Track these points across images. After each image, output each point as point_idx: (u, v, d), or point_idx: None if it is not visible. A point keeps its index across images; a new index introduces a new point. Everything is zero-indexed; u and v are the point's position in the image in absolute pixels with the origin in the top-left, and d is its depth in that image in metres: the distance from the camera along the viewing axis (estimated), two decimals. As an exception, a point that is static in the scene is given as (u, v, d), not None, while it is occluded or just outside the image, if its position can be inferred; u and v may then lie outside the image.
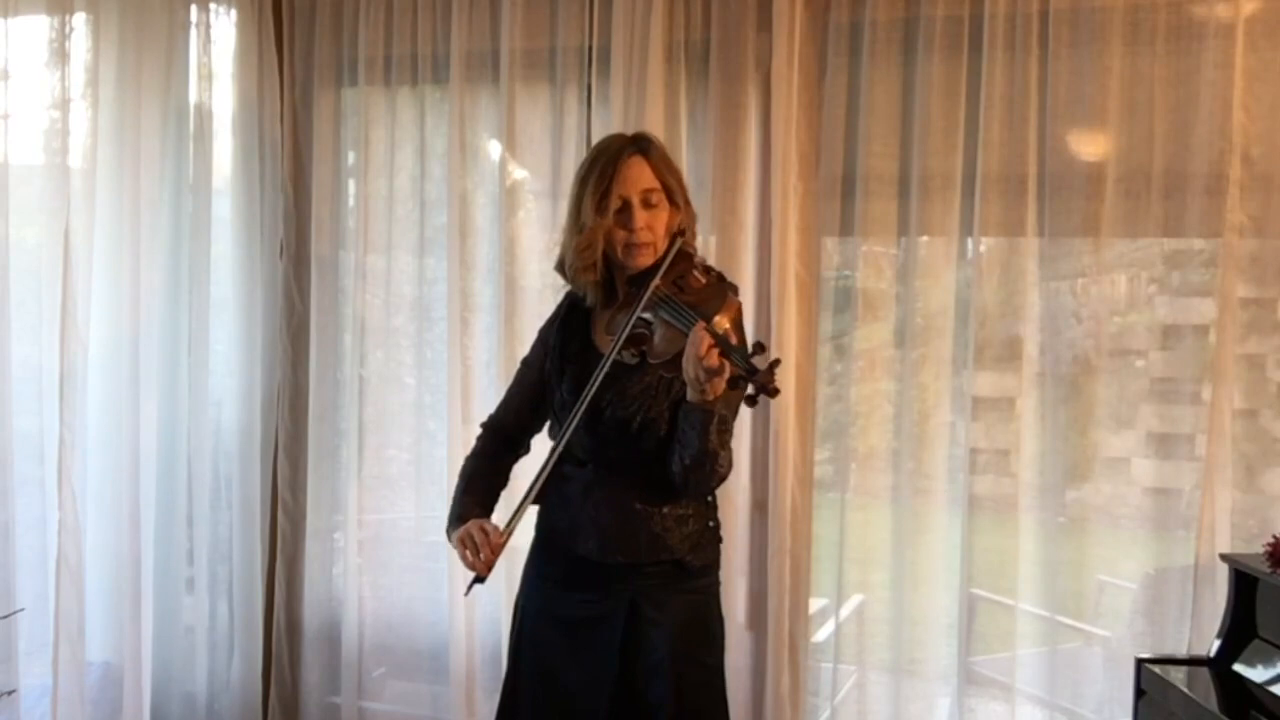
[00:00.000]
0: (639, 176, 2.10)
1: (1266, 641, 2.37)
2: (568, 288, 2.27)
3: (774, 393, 1.89)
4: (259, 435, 3.50)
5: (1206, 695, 2.34)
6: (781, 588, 2.96)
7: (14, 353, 3.19)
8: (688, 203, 2.19)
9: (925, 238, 2.95)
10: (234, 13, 3.48)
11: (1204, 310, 2.79)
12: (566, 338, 2.22)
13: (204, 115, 3.47)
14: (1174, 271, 2.87)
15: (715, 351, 1.89)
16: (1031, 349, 2.85)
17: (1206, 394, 2.74)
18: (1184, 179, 2.73)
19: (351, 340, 3.45)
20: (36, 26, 3.23)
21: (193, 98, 3.47)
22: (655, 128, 3.02)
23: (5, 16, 3.16)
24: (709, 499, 2.22)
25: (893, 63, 2.92)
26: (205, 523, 3.50)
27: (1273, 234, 2.70)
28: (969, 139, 2.85)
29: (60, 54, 3.20)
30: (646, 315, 2.05)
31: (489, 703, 3.28)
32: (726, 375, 1.89)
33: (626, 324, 2.04)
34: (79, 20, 3.26)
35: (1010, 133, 2.82)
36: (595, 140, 3.14)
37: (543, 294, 3.27)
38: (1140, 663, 2.52)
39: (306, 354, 3.48)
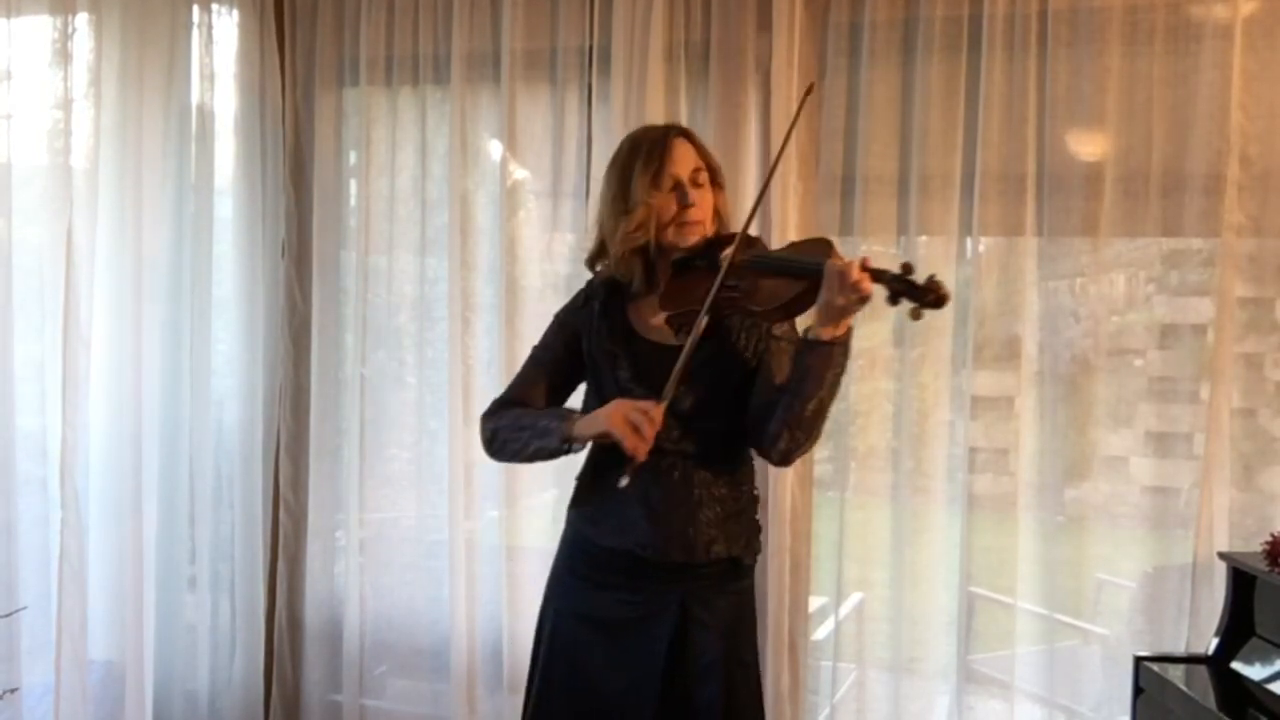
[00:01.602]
0: (687, 156, 2.11)
1: (1264, 640, 2.37)
2: (591, 277, 2.24)
3: (944, 299, 1.87)
4: (261, 434, 3.51)
5: (1205, 693, 2.35)
6: (781, 586, 2.96)
7: (16, 352, 3.20)
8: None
9: (924, 237, 2.96)
10: (236, 13, 3.50)
11: (1202, 309, 2.80)
12: (611, 324, 2.16)
13: (206, 115, 3.48)
14: (1172, 271, 2.88)
15: (865, 273, 1.88)
16: (1030, 348, 2.86)
17: (1205, 393, 2.75)
18: (1182, 179, 2.73)
19: (353, 339, 3.46)
20: (39, 27, 3.23)
21: (195, 98, 3.47)
22: (655, 128, 3.04)
23: (8, 17, 3.17)
24: (755, 493, 2.21)
25: (892, 63, 2.93)
26: (207, 521, 3.51)
27: (1271, 233, 2.70)
28: (968, 139, 2.85)
29: (63, 54, 3.20)
30: (732, 281, 2.00)
31: (490, 700, 3.29)
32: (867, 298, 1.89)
33: (711, 291, 1.98)
34: (81, 20, 3.26)
35: (1009, 133, 2.83)
36: (596, 140, 3.18)
37: (543, 294, 3.28)
38: (1139, 661, 2.52)
39: (308, 353, 3.50)
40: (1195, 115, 2.71)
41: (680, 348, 2.00)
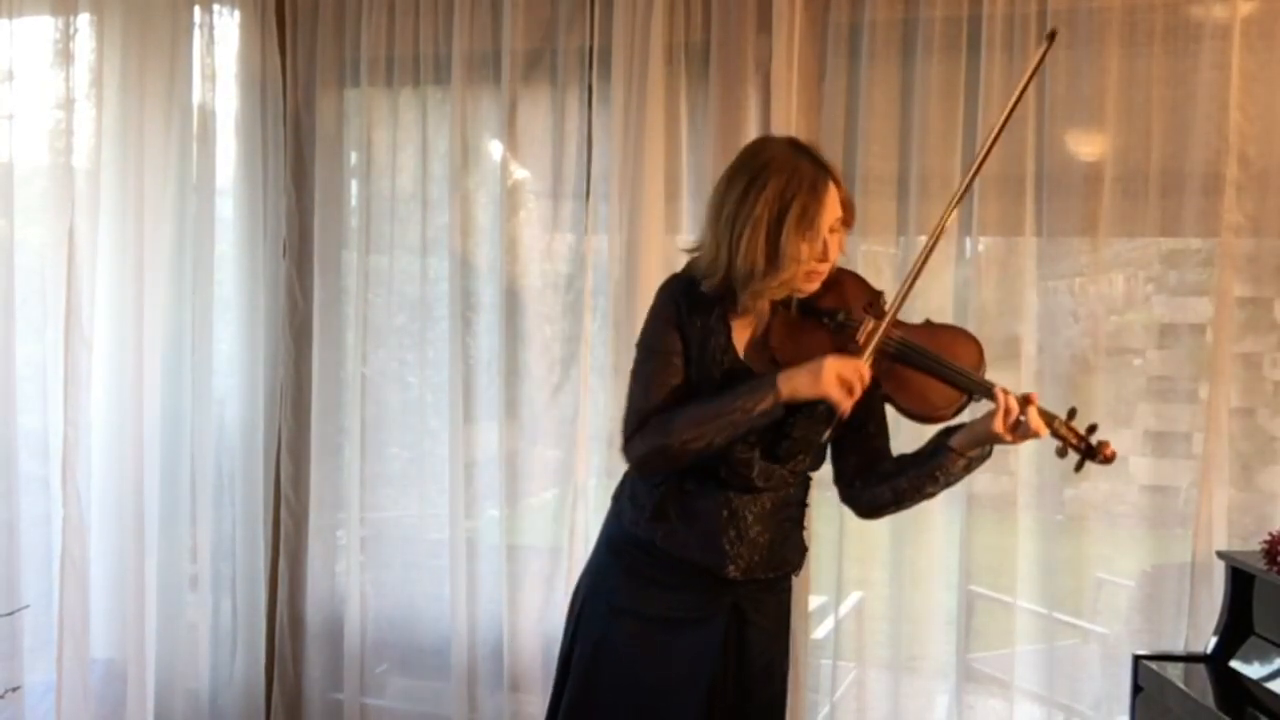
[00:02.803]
0: (835, 206, 2.00)
1: (1263, 638, 2.38)
2: (685, 274, 2.11)
3: (1111, 460, 1.97)
4: (262, 433, 3.52)
5: (1204, 692, 2.35)
6: (781, 585, 2.96)
7: (18, 351, 3.21)
8: None
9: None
10: (237, 14, 3.50)
11: (1201, 309, 2.80)
12: (718, 346, 2.05)
13: (207, 116, 3.49)
14: (1171, 271, 2.88)
15: (1043, 424, 1.93)
16: (1030, 348, 2.86)
17: (1203, 392, 2.75)
18: (1181, 179, 2.74)
19: (354, 339, 3.47)
20: (41, 27, 3.25)
21: (196, 98, 3.48)
22: (655, 128, 3.05)
23: (10, 17, 3.18)
24: (808, 502, 2.22)
25: (892, 63, 2.93)
26: (208, 520, 3.51)
27: (1269, 233, 2.71)
28: (967, 139, 2.86)
29: (65, 54, 3.22)
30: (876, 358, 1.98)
31: (491, 699, 3.30)
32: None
33: (872, 386, 1.96)
34: (83, 21, 3.28)
35: (1008, 133, 2.80)
36: (596, 140, 3.17)
37: (543, 294, 3.29)
38: (1138, 659, 2.53)
39: (309, 352, 3.50)
40: (1194, 115, 2.72)
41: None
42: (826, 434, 2.00)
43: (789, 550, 2.15)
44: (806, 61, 2.99)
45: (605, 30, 3.15)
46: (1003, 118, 2.12)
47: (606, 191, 3.15)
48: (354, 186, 3.52)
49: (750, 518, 2.08)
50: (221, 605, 3.57)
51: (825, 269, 2.02)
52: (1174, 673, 2.43)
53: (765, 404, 1.96)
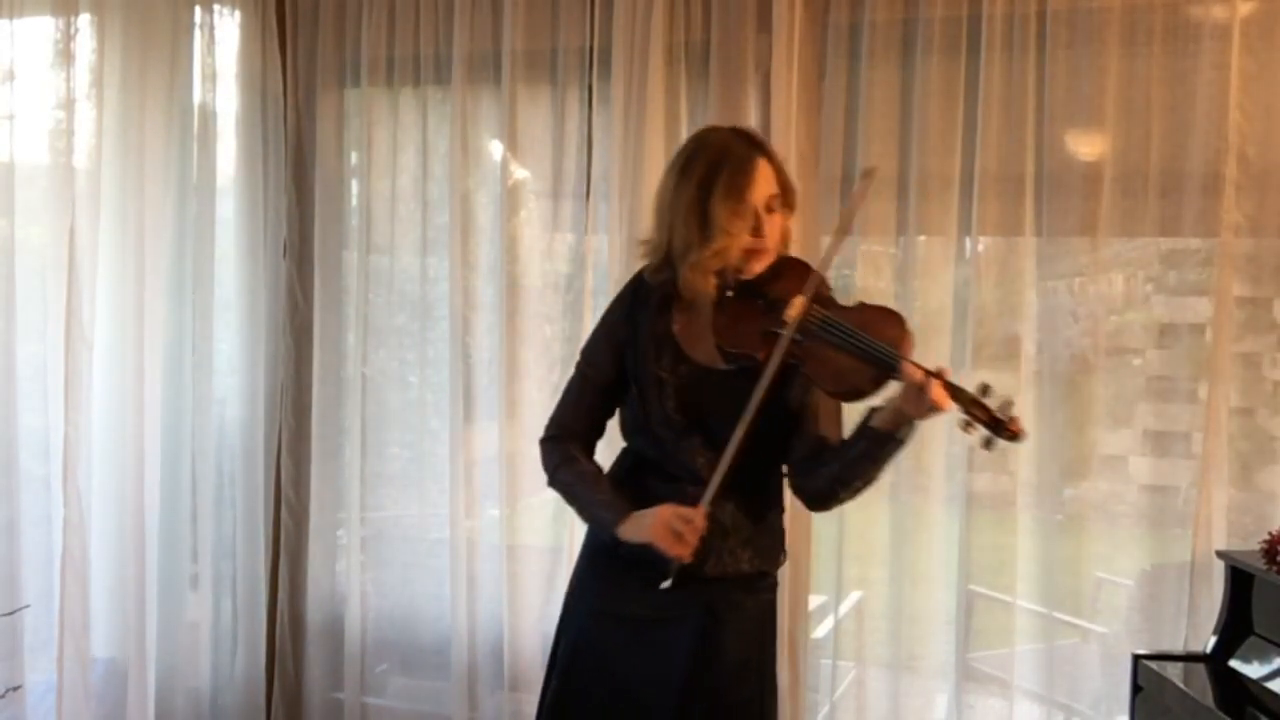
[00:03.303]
0: (768, 181, 2.03)
1: (1262, 638, 2.38)
2: (639, 274, 2.16)
3: (1019, 437, 1.85)
4: (262, 433, 3.53)
5: (1203, 691, 2.36)
6: (781, 584, 2.94)
7: (19, 351, 3.21)
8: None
9: (923, 237, 2.97)
10: (238, 14, 3.51)
11: (1200, 309, 2.81)
12: (659, 340, 2.10)
13: (208, 116, 3.49)
14: (1171, 270, 2.89)
15: (947, 397, 1.85)
16: (1029, 347, 2.87)
17: (1203, 392, 2.76)
18: (1181, 179, 2.74)
19: (354, 339, 3.47)
20: (42, 27, 3.25)
21: (197, 98, 3.49)
22: (655, 128, 3.05)
23: (11, 18, 3.18)
24: (782, 505, 2.20)
25: (891, 64, 2.94)
26: (209, 520, 3.52)
27: (1269, 233, 2.71)
28: (967, 139, 2.86)
29: (65, 55, 3.21)
30: (798, 337, 1.95)
31: (491, 699, 3.30)
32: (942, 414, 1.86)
33: (779, 347, 1.93)
34: (84, 21, 3.28)
35: (1008, 133, 2.83)
36: (596, 140, 3.18)
37: (543, 293, 3.29)
38: (1137, 659, 2.53)
39: (310, 352, 3.51)
40: (1193, 115, 2.72)
41: (725, 372, 2.00)
42: (666, 582, 2.00)
43: (758, 549, 2.13)
44: (806, 61, 2.99)
45: (605, 30, 3.15)
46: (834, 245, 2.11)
47: (606, 191, 3.16)
48: (354, 186, 3.53)
49: (718, 516, 2.04)
50: (222, 604, 3.58)
51: (763, 246, 2.03)
52: (1173, 672, 2.44)
53: (604, 535, 2.10)
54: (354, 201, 3.52)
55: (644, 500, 2.08)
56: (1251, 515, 2.74)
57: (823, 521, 3.03)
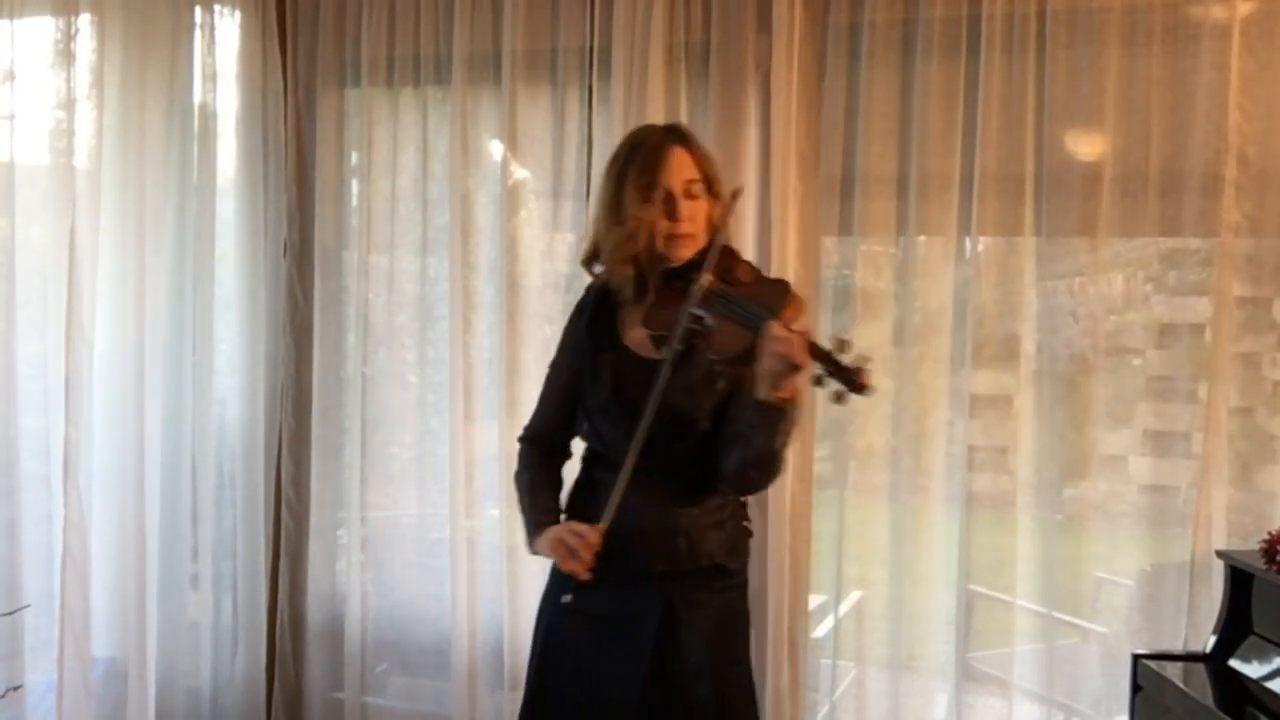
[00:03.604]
0: (682, 166, 2.07)
1: (1262, 638, 2.38)
2: (590, 282, 2.25)
3: (866, 389, 1.84)
4: (263, 433, 3.53)
5: (1203, 691, 2.36)
6: (781, 584, 2.97)
7: (19, 351, 3.21)
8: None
9: (923, 237, 2.97)
10: (238, 14, 3.51)
11: (1200, 309, 2.81)
12: (596, 335, 2.18)
13: (208, 115, 3.49)
14: (1170, 270, 2.89)
15: (803, 349, 1.86)
16: (1029, 347, 2.87)
17: (1202, 392, 2.76)
18: (1180, 179, 2.74)
19: (354, 338, 3.48)
20: (42, 28, 3.25)
21: (197, 98, 3.49)
22: (656, 128, 3.05)
23: (11, 18, 3.18)
24: (741, 500, 2.21)
25: (891, 64, 2.94)
26: (209, 520, 3.52)
27: (1268, 233, 2.71)
28: (967, 139, 2.86)
29: (66, 55, 3.22)
30: (699, 311, 1.99)
31: (491, 698, 3.30)
32: (808, 373, 1.87)
33: (680, 321, 1.99)
34: (84, 21, 3.28)
35: (1008, 133, 2.84)
36: (596, 140, 3.19)
37: (543, 293, 3.29)
38: (1137, 659, 2.53)
39: (310, 352, 3.51)
40: (1193, 115, 2.72)
41: (658, 361, 2.02)
42: (566, 597, 2.11)
43: (713, 543, 2.13)
44: (806, 61, 2.99)
45: (605, 30, 3.15)
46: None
47: (606, 191, 3.15)
48: (354, 186, 3.53)
49: (637, 511, 2.06)
50: (222, 604, 3.58)
51: (682, 230, 2.07)
52: (1173, 672, 2.44)
53: (528, 541, 2.23)
54: (354, 201, 3.52)
55: (594, 492, 2.14)
56: (1251, 515, 2.74)
57: (822, 521, 3.03)
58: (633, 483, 2.02)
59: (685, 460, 2.10)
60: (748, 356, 1.95)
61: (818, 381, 1.87)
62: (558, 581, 2.24)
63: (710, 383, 2.07)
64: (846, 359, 1.86)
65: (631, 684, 2.08)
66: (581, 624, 2.18)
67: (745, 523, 2.23)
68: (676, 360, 2.00)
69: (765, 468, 2.05)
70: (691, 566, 2.11)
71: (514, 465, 2.36)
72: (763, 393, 1.92)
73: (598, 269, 2.22)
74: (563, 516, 2.23)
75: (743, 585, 2.22)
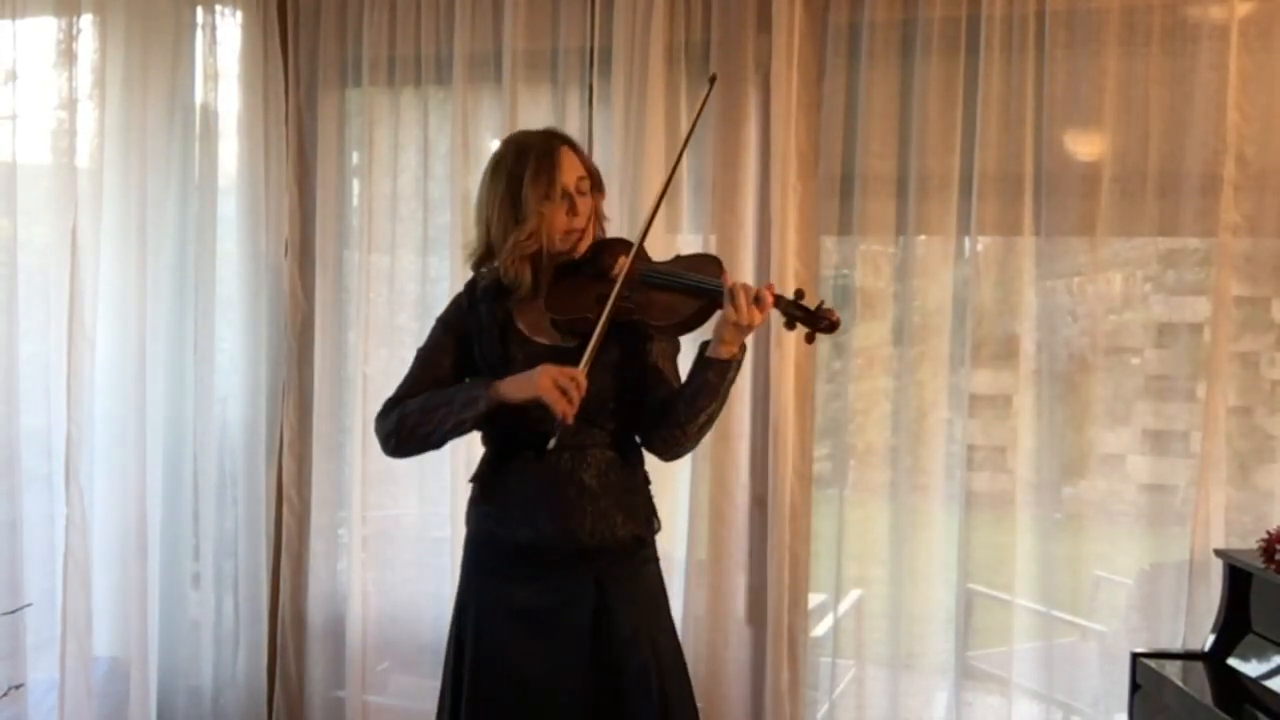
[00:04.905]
0: (573, 165, 2.18)
1: (1261, 636, 2.39)
2: (471, 279, 2.29)
3: (835, 325, 2.04)
4: (264, 432, 3.53)
5: (1201, 690, 2.36)
6: (781, 583, 2.98)
7: (21, 350, 3.22)
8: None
9: (923, 237, 2.98)
10: (239, 14, 3.51)
11: (1199, 308, 2.81)
12: (502, 324, 2.21)
13: (210, 115, 3.50)
14: (1169, 270, 2.90)
15: (768, 298, 2.03)
16: (1028, 347, 2.88)
17: (1201, 391, 2.77)
18: (1179, 179, 2.75)
19: (355, 338, 3.48)
20: (44, 28, 3.26)
21: (198, 98, 3.49)
22: (656, 128, 3.06)
23: (13, 18, 3.19)
24: (646, 474, 2.28)
25: (891, 64, 2.94)
26: (211, 519, 3.52)
27: (1267, 233, 2.72)
28: (966, 139, 2.87)
29: (67, 55, 3.23)
30: (627, 291, 2.10)
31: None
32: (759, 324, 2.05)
33: (609, 303, 2.07)
34: (86, 22, 3.29)
35: (1007, 133, 2.84)
36: (597, 140, 3.19)
37: (545, 292, 3.29)
38: (1136, 657, 2.54)
39: (311, 351, 3.51)
40: (1192, 116, 2.73)
41: (570, 349, 2.11)
42: (552, 441, 2.08)
43: (629, 513, 2.19)
44: (806, 61, 3.00)
45: (605, 30, 3.16)
46: (677, 154, 2.31)
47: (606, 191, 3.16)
48: (356, 186, 3.53)
49: (554, 490, 2.14)
50: (224, 603, 3.58)
51: (578, 225, 2.17)
52: (1172, 670, 2.45)
53: (475, 408, 2.13)
54: (355, 201, 3.52)
55: (506, 479, 2.19)
56: (1250, 514, 2.75)
57: (822, 520, 3.04)
58: (549, 463, 2.12)
59: (605, 434, 2.18)
60: (696, 320, 2.12)
61: (789, 325, 2.10)
62: (477, 578, 2.24)
63: (636, 358, 2.18)
64: (811, 305, 2.06)
65: (571, 672, 2.12)
66: (508, 621, 2.17)
67: (651, 488, 2.29)
68: (604, 338, 2.09)
69: (709, 425, 2.17)
70: (613, 541, 2.16)
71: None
72: (720, 351, 2.08)
73: (484, 269, 2.26)
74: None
75: (656, 555, 2.27)
